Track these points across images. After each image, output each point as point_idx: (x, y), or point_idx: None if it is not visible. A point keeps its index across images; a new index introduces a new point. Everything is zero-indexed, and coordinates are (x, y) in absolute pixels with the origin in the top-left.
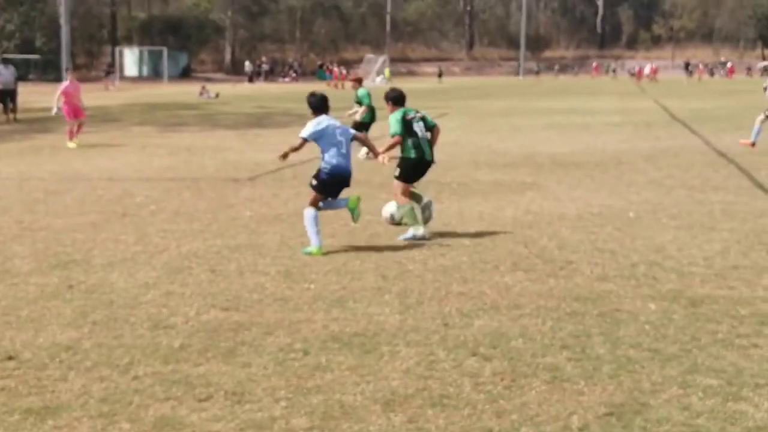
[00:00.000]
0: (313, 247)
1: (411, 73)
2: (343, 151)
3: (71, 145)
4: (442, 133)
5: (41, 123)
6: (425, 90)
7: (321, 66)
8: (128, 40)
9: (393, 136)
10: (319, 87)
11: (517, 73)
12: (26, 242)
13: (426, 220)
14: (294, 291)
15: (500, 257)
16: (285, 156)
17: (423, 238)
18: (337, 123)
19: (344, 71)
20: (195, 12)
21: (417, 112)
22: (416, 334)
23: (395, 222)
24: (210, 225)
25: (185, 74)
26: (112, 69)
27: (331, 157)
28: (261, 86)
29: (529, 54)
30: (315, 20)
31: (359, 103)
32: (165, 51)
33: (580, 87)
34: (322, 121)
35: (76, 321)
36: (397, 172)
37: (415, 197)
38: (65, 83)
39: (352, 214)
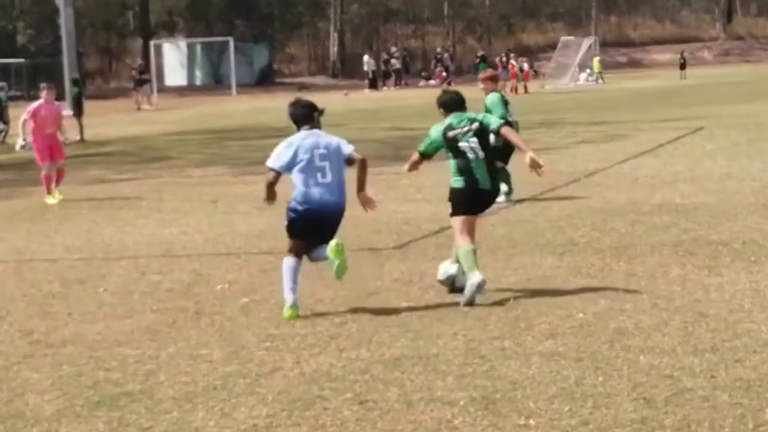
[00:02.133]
0: (285, 308)
1: (634, 64)
2: (325, 180)
3: (50, 200)
4: (700, 160)
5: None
6: (660, 90)
7: (482, 59)
8: (169, 29)
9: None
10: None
11: None
12: (44, 365)
13: (468, 302)
14: (504, 431)
15: None
16: (269, 197)
17: (480, 288)
18: (324, 140)
19: (525, 65)
20: None
21: (472, 122)
22: None
23: (452, 287)
24: (345, 325)
25: (265, 80)
26: (145, 76)
27: (303, 188)
28: (391, 94)
29: None
30: None
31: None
32: (231, 43)
33: None
34: (294, 141)
35: None
36: (449, 206)
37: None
38: (38, 102)
39: (334, 267)
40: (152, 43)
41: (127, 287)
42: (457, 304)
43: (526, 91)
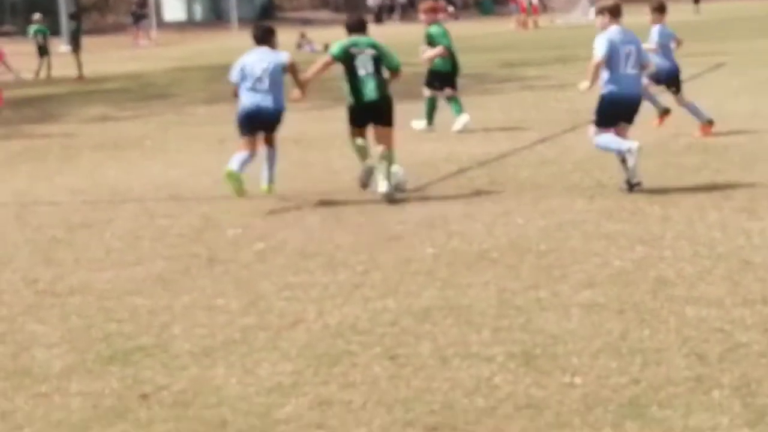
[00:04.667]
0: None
1: None
2: (261, 86)
3: None
4: (725, 98)
5: (37, 105)
6: (674, 24)
7: None
8: None
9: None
10: (490, 25)
11: None
12: (51, 317)
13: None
14: (547, 390)
15: None
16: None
17: (371, 171)
18: (270, 55)
19: (535, 0)
20: None
21: (372, 47)
22: None
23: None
24: (368, 273)
25: (266, 15)
26: (143, 11)
27: (243, 94)
28: (396, 29)
29: None
30: None
31: (431, 44)
32: None
33: None
34: (250, 54)
35: None
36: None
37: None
38: None
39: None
40: None
41: (136, 232)
42: (487, 251)
43: (536, 26)
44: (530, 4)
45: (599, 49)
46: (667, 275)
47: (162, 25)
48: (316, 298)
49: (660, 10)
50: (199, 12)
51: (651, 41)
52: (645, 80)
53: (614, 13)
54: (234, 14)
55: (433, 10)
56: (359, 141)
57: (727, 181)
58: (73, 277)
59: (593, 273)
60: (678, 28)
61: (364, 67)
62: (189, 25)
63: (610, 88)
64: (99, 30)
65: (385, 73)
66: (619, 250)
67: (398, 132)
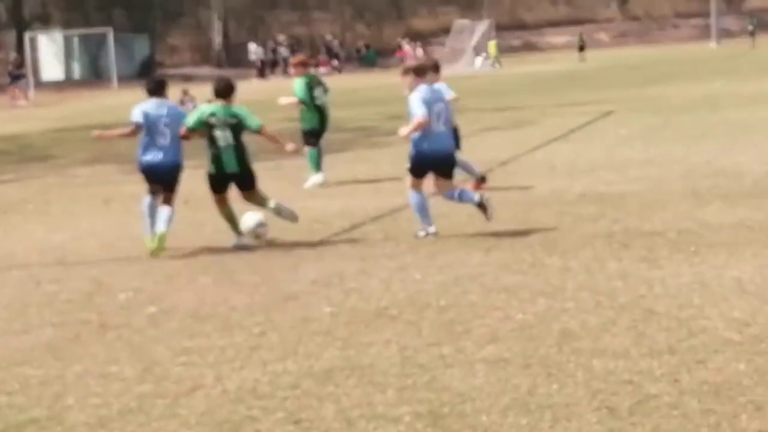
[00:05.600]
0: (148, 241)
1: (529, 48)
2: (162, 142)
3: None
4: (617, 146)
5: None
6: (560, 74)
7: (367, 47)
8: (44, 20)
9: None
10: (374, 78)
11: (708, 37)
12: None
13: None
14: None
15: None
16: (103, 136)
17: (244, 246)
18: (168, 110)
19: (420, 51)
20: None
21: (234, 116)
22: None
23: (255, 235)
24: (265, 335)
25: (147, 71)
26: (20, 71)
27: (144, 149)
28: (279, 83)
29: (724, 5)
30: None
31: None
32: (110, 34)
33: None
34: (148, 103)
35: None
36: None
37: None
38: None
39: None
40: (27, 35)
41: (22, 299)
42: (385, 308)
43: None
44: (414, 54)
45: (417, 108)
46: (571, 327)
47: (40, 84)
48: (213, 363)
49: (436, 69)
50: (77, 70)
51: (447, 95)
52: None
53: (418, 72)
54: (113, 72)
55: (302, 64)
56: (226, 210)
57: (625, 229)
58: None
59: (496, 327)
60: (564, 77)
61: (224, 138)
62: (68, 84)
63: (422, 144)
64: None
65: (247, 137)
66: (521, 303)
67: (289, 189)
